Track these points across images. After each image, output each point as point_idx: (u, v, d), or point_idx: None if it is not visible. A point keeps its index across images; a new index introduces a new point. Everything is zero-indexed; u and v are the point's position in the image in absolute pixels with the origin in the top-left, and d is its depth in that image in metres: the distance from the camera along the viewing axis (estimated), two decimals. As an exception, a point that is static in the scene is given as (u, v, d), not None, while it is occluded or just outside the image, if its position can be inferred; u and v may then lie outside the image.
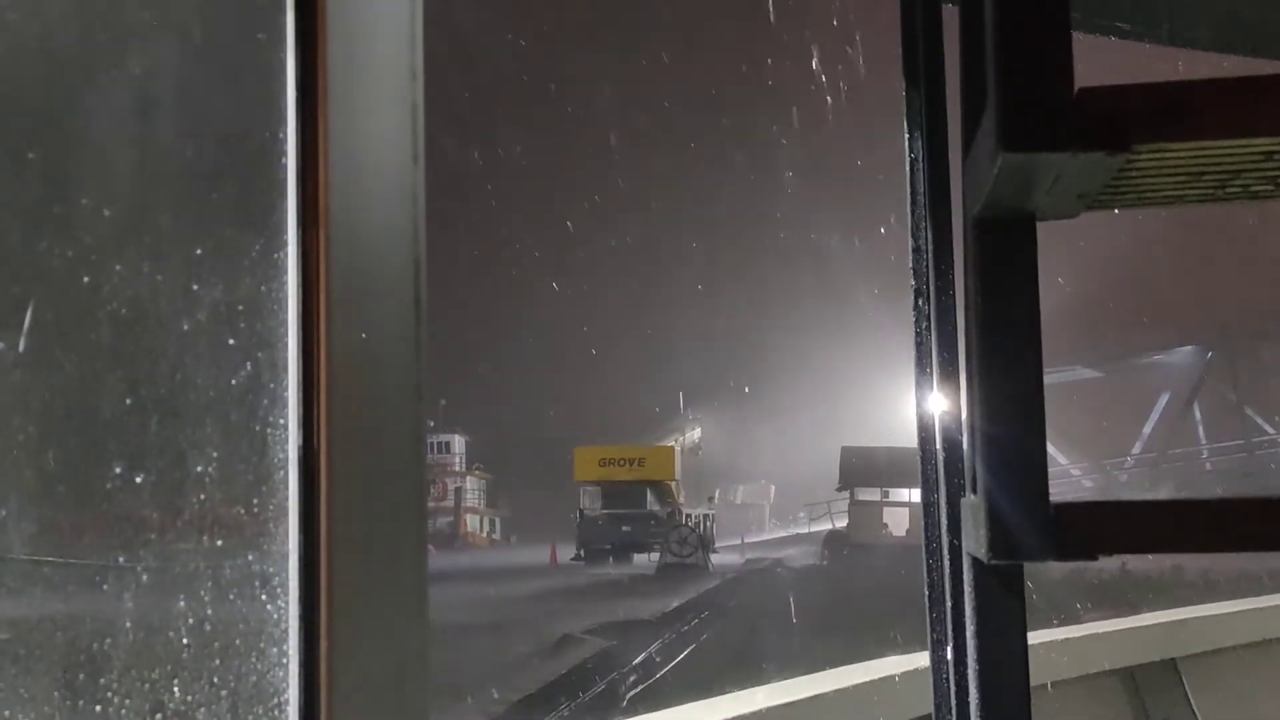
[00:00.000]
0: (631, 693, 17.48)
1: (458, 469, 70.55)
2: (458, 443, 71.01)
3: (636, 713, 4.18)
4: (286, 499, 1.13)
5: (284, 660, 1.13)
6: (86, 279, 1.15)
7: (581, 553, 45.20)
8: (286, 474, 1.14)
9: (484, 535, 70.57)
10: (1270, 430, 51.73)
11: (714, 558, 43.35)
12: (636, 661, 19.79)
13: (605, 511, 45.75)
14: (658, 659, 20.19)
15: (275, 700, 1.14)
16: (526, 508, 72.06)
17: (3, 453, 1.10)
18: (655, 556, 42.53)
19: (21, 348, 1.09)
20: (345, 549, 1.11)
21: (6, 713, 1.09)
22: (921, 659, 2.44)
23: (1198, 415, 53.22)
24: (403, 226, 1.18)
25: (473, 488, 71.25)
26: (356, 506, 1.13)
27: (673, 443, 51.18)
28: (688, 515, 46.08)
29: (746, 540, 56.78)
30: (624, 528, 45.19)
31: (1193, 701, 5.87)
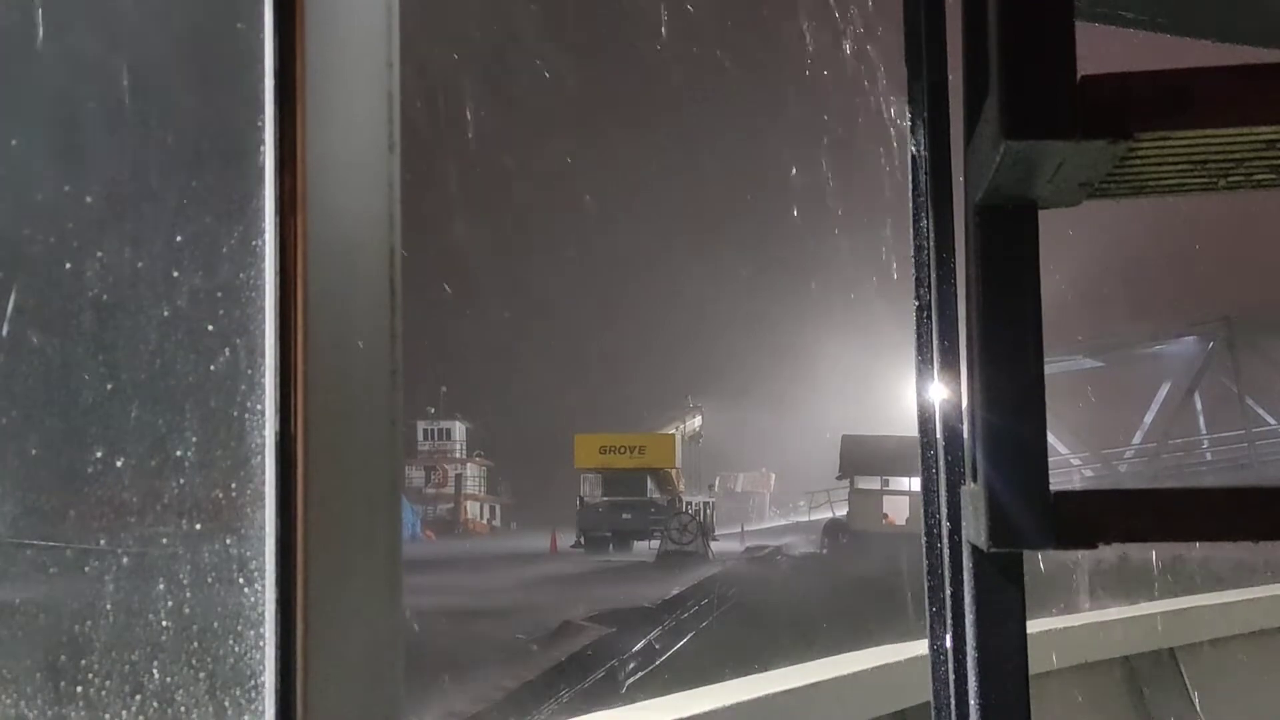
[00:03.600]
0: (631, 679, 17.52)
1: (458, 456, 70.66)
2: (458, 430, 71.11)
3: (636, 699, 4.18)
4: (264, 484, 1.15)
5: (261, 643, 1.15)
6: (68, 265, 1.16)
7: (581, 540, 45.27)
8: (264, 459, 1.15)
9: (484, 522, 70.69)
10: (1271, 421, 51.68)
11: (714, 545, 43.39)
12: (636, 648, 19.83)
13: (605, 499, 45.80)
14: (657, 646, 20.24)
15: (252, 682, 1.15)
16: (527, 494, 72.24)
17: None
18: (655, 544, 42.55)
19: (4, 333, 1.10)
20: (321, 533, 1.13)
21: None
22: (921, 646, 2.44)
23: (1198, 405, 53.18)
24: (379, 215, 1.20)
25: (473, 474, 71.37)
26: (332, 491, 1.15)
27: (673, 430, 51.20)
28: (688, 503, 46.12)
29: (746, 528, 56.85)
30: (624, 515, 45.25)
31: (1191, 691, 5.88)
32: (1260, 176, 1.35)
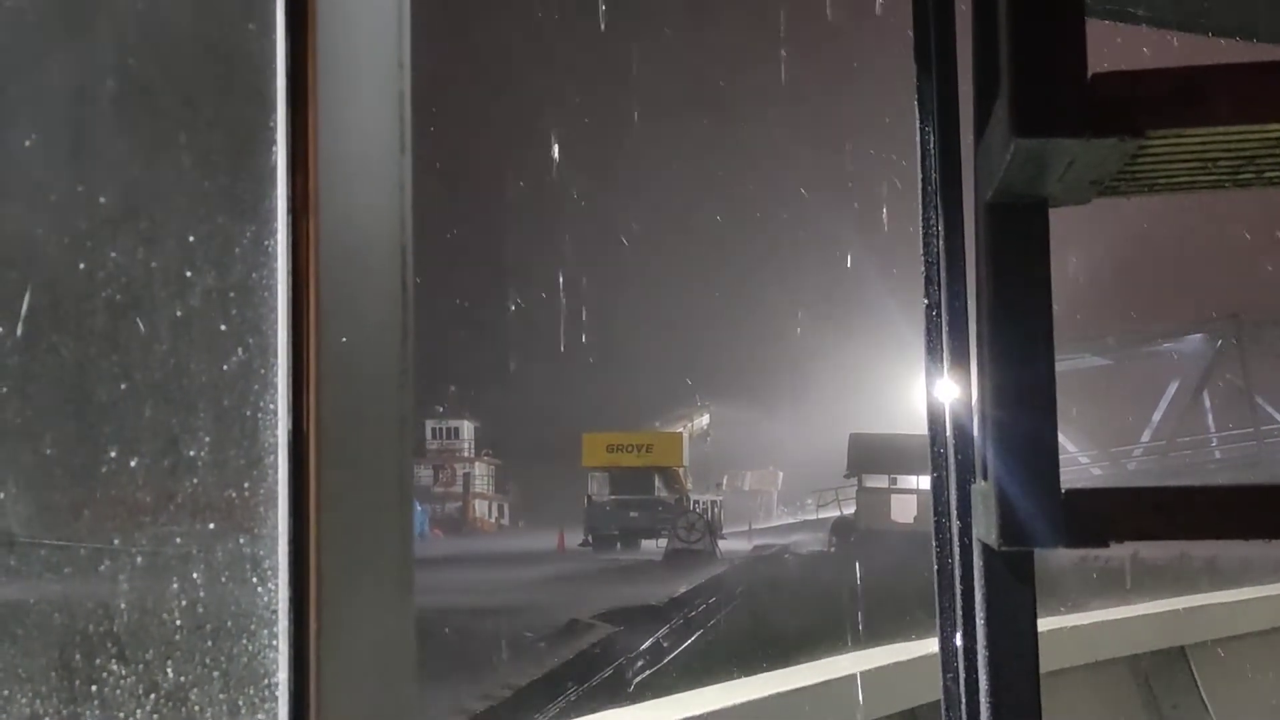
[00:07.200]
0: (639, 678, 17.52)
1: (466, 455, 70.80)
2: (467, 429, 71.21)
3: (643, 698, 4.19)
4: (276, 483, 1.16)
5: (274, 642, 1.15)
6: (82, 265, 1.16)
7: (589, 538, 45.36)
8: (276, 458, 1.16)
9: (492, 521, 70.83)
10: (1280, 418, 51.58)
11: (721, 544, 43.48)
12: (644, 647, 19.84)
13: (613, 497, 45.85)
14: (665, 644, 20.25)
15: (266, 681, 1.16)
16: (535, 493, 72.30)
17: (1, 437, 1.12)
18: (663, 543, 42.58)
19: (19, 333, 1.10)
20: (333, 532, 1.14)
21: (5, 692, 1.11)
22: (931, 645, 2.44)
23: (1207, 403, 53.08)
24: (391, 215, 1.20)
25: (481, 473, 71.50)
26: (344, 490, 1.15)
27: (681, 429, 51.19)
28: (695, 501, 46.15)
29: (754, 526, 56.99)
30: (631, 514, 45.29)
31: (1202, 689, 5.87)
32: (1271, 174, 1.35)
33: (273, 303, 1.16)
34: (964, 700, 1.77)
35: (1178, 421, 53.51)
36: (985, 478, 1.40)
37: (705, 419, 56.84)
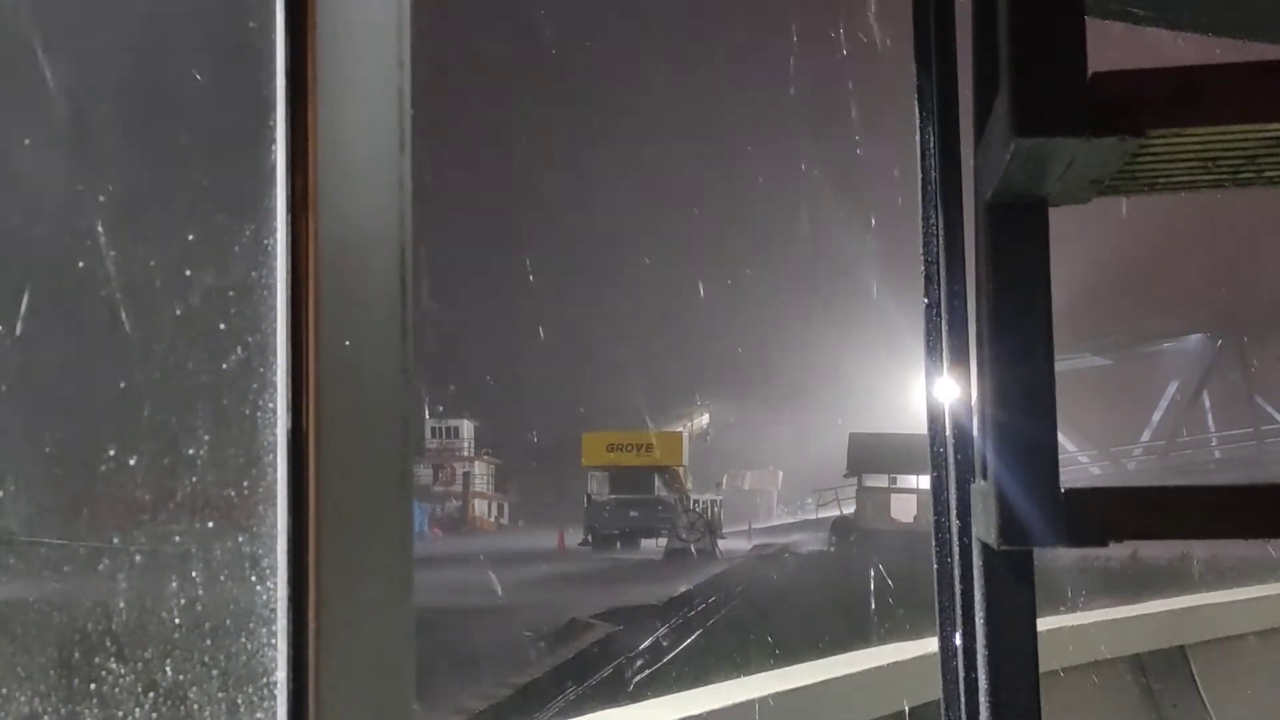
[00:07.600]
0: (638, 677, 17.51)
1: (466, 454, 70.74)
2: (467, 428, 71.17)
3: (643, 697, 4.19)
4: (276, 482, 1.16)
5: (273, 640, 1.16)
6: (81, 264, 1.16)
7: (589, 538, 45.31)
8: (275, 457, 1.16)
9: (492, 520, 70.78)
10: (1280, 418, 51.62)
11: (721, 543, 43.43)
12: (644, 646, 19.82)
13: (613, 497, 45.78)
14: (665, 644, 20.23)
15: (265, 680, 1.16)
16: (535, 492, 72.24)
17: (1, 436, 1.12)
18: (663, 542, 42.54)
19: (19, 331, 1.11)
20: (333, 531, 1.14)
21: (5, 690, 1.11)
22: (930, 644, 2.44)
23: (1207, 403, 53.13)
24: (391, 213, 1.20)
25: (481, 473, 71.44)
26: (344, 489, 1.15)
27: (681, 428, 51.15)
28: (695, 501, 46.08)
29: (754, 526, 56.97)
30: (631, 513, 45.22)
31: (1201, 688, 5.87)
32: (1271, 173, 1.35)
33: (272, 301, 1.16)
34: (963, 700, 1.76)
35: (1177, 421, 53.55)
36: (985, 477, 1.40)
37: (705, 419, 56.77)
